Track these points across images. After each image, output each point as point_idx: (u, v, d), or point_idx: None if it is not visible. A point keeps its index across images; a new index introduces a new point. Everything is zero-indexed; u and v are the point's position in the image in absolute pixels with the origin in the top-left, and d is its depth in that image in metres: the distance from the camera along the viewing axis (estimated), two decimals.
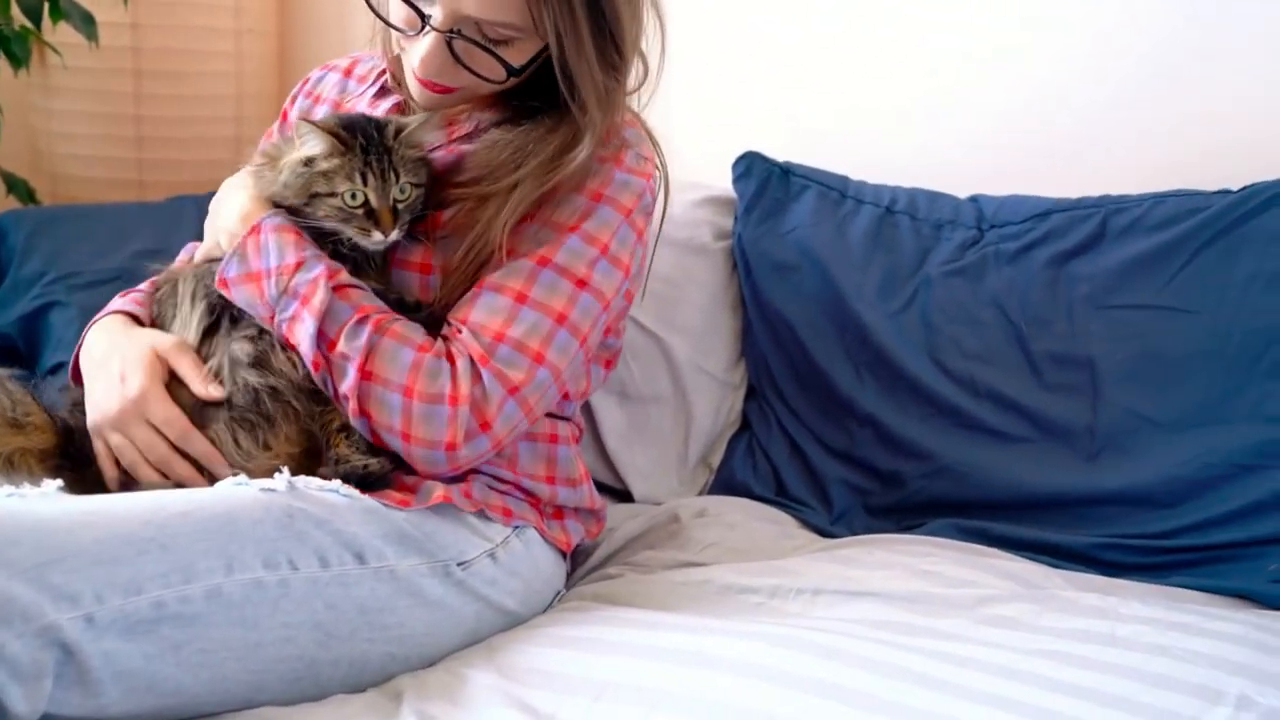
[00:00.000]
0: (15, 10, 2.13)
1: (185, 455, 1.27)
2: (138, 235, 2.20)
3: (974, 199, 1.78)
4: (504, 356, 1.25)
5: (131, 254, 2.15)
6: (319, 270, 1.25)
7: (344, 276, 1.26)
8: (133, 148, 2.46)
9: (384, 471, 1.27)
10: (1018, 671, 1.10)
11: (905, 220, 1.76)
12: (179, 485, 1.26)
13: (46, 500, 1.08)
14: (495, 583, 1.30)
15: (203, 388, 1.28)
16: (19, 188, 2.28)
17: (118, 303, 1.46)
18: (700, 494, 1.74)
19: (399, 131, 1.29)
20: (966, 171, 1.87)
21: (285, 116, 1.59)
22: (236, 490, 1.18)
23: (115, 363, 1.33)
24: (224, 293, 1.28)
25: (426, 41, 1.28)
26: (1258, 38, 1.71)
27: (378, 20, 1.37)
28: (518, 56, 1.28)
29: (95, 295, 2.06)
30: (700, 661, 1.10)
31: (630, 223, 1.34)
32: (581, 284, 1.29)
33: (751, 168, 1.84)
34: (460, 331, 1.27)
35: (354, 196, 1.27)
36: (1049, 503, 1.53)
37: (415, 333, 1.27)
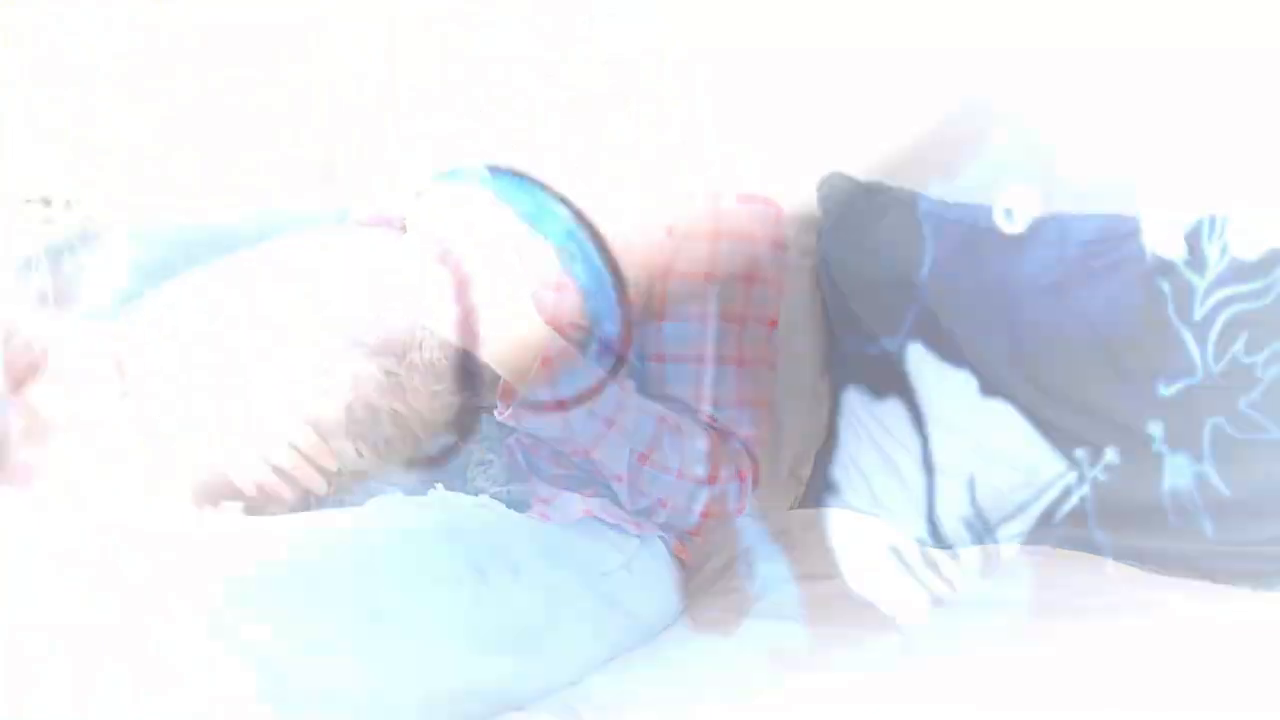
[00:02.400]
0: None
1: None
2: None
3: (1054, 215, 1.80)
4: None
5: None
6: (614, 389, 1.30)
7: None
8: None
9: (525, 497, 1.29)
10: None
11: (990, 236, 1.79)
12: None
13: None
14: (632, 593, 1.32)
15: None
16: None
17: None
18: (792, 507, 1.76)
19: None
20: None
21: None
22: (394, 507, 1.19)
23: None
24: (511, 423, 1.29)
25: None
26: None
27: None
28: None
29: None
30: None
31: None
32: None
33: (836, 187, 1.87)
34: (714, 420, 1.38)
35: None
36: (1155, 511, 1.56)
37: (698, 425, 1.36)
